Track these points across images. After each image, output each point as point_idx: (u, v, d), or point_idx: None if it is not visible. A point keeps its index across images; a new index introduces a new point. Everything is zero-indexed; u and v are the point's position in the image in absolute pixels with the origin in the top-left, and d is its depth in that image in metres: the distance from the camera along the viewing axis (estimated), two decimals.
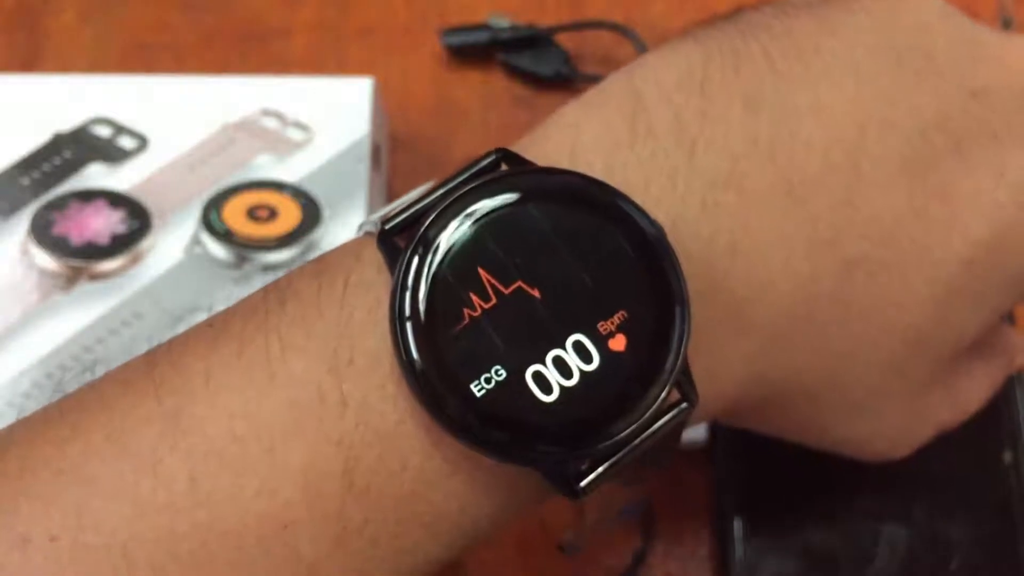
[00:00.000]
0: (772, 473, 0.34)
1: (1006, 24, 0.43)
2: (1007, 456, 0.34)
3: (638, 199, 0.21)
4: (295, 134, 0.38)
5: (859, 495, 0.34)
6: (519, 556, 0.35)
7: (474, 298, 0.20)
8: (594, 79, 0.42)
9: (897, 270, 0.24)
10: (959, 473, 0.34)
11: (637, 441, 0.21)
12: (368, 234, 0.22)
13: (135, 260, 0.36)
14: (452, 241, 0.20)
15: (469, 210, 0.21)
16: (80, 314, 0.35)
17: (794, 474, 0.33)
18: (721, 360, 0.23)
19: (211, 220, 0.36)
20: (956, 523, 0.34)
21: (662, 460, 0.23)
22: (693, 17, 0.43)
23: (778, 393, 0.25)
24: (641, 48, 0.42)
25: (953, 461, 0.32)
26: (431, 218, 0.21)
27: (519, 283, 0.20)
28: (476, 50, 0.43)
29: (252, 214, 0.37)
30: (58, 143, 0.38)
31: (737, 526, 0.34)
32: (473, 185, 0.21)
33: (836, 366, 0.24)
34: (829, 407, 0.26)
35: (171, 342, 0.22)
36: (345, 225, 0.36)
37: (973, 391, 0.29)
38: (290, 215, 0.37)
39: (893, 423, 0.27)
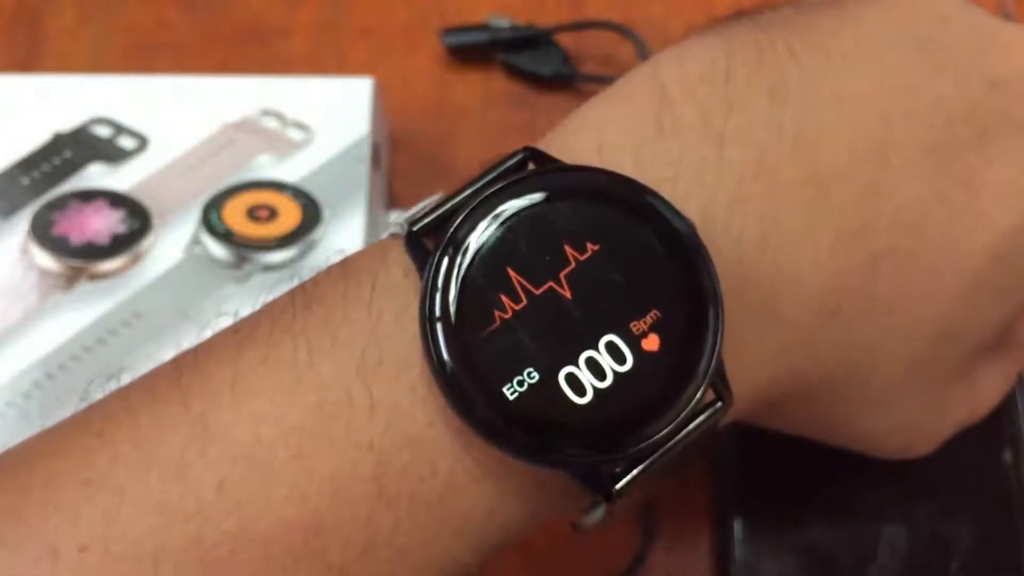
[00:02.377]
0: (772, 472, 0.34)
1: None
2: (1007, 456, 0.34)
3: (667, 195, 0.21)
4: (295, 134, 0.38)
5: (860, 495, 0.34)
6: (519, 554, 0.35)
7: (504, 299, 0.20)
8: (594, 79, 0.42)
9: (924, 262, 0.24)
10: (959, 473, 0.34)
11: (672, 443, 0.21)
12: (393, 236, 0.22)
13: (135, 260, 0.36)
14: (481, 242, 0.20)
15: (498, 210, 0.21)
16: (80, 314, 0.35)
17: (795, 474, 0.33)
18: (750, 356, 0.23)
19: (211, 220, 0.36)
20: (956, 523, 0.34)
21: (691, 457, 0.23)
22: (693, 17, 0.43)
23: (803, 388, 0.25)
24: (641, 48, 0.42)
25: (953, 461, 0.32)
26: (460, 219, 0.21)
27: (550, 284, 0.20)
28: (476, 50, 0.43)
29: (252, 214, 0.37)
30: (58, 143, 0.38)
31: (737, 526, 0.34)
32: (501, 185, 0.21)
33: (861, 359, 0.24)
34: (852, 401, 0.25)
35: (197, 348, 0.22)
36: (345, 225, 0.36)
37: (990, 387, 0.29)
38: (290, 215, 0.37)
39: (913, 418, 0.27)
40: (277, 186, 0.37)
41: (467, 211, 0.21)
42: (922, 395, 0.26)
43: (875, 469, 0.29)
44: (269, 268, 0.36)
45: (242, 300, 0.35)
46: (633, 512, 0.35)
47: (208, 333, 0.22)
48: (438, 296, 0.20)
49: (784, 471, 0.34)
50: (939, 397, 0.27)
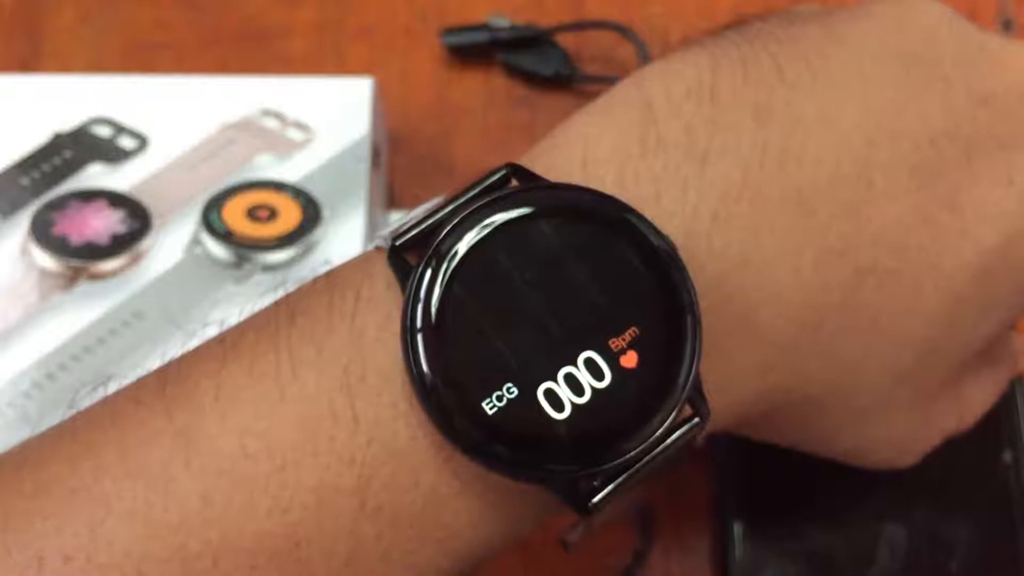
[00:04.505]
0: (772, 473, 0.34)
1: (1006, 25, 0.43)
2: (1007, 456, 0.34)
3: (649, 212, 0.21)
4: (295, 134, 0.38)
5: (859, 495, 0.34)
6: (520, 555, 0.35)
7: (485, 315, 0.20)
8: (594, 79, 0.42)
9: (907, 279, 0.24)
10: (959, 473, 0.34)
11: (648, 458, 0.21)
12: (378, 249, 0.22)
13: (135, 260, 0.36)
14: (464, 256, 0.20)
15: (480, 226, 0.21)
16: (80, 314, 0.35)
17: (794, 474, 0.33)
18: (731, 372, 0.23)
19: (211, 220, 0.36)
20: (956, 523, 0.34)
21: (670, 470, 0.23)
22: (693, 17, 0.43)
23: (786, 403, 0.25)
24: (641, 48, 0.42)
25: (953, 461, 0.32)
26: (443, 234, 0.21)
27: (531, 300, 0.20)
28: (476, 50, 0.43)
29: (252, 214, 0.37)
30: (58, 143, 0.38)
31: (737, 526, 0.34)
32: (484, 201, 0.21)
33: (844, 375, 0.24)
34: (836, 416, 0.25)
35: (182, 358, 0.22)
36: (345, 225, 0.36)
37: (978, 397, 0.29)
38: (290, 215, 0.37)
39: (900, 431, 0.27)
40: (277, 186, 0.37)
41: (450, 226, 0.21)
42: (907, 409, 0.26)
43: (875, 470, 0.29)
44: (269, 268, 0.36)
45: (242, 300, 0.35)
46: (633, 513, 0.35)
47: (195, 342, 0.22)
48: (420, 307, 0.20)
49: (784, 472, 0.34)
50: (924, 410, 0.27)
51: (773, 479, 0.34)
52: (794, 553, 0.33)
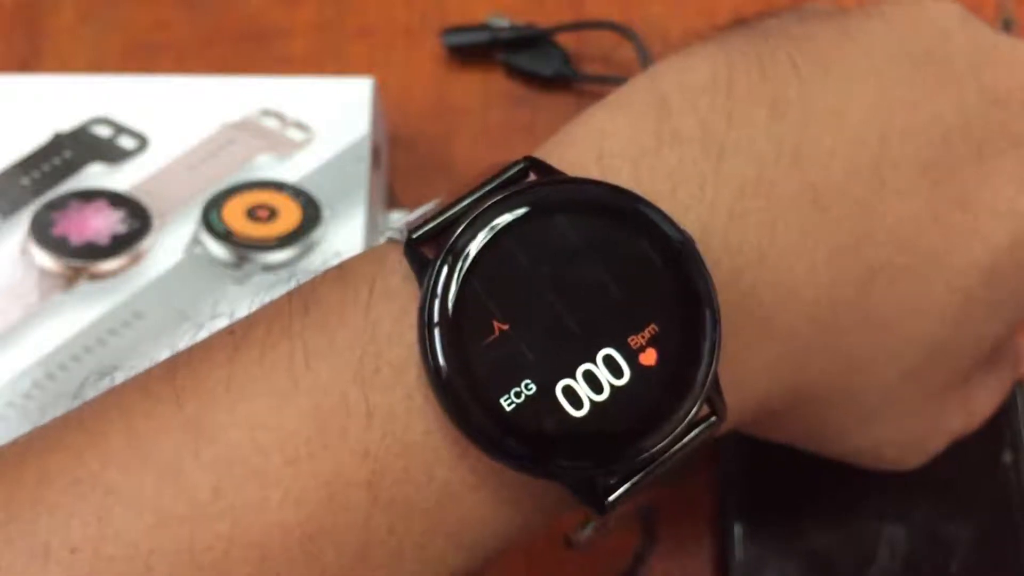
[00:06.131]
0: (773, 474, 0.34)
1: (1006, 25, 0.43)
2: (1007, 456, 0.34)
3: (666, 207, 0.21)
4: (295, 134, 0.38)
5: (859, 496, 0.34)
6: (523, 554, 0.35)
7: (503, 310, 0.20)
8: (594, 79, 0.42)
9: (918, 277, 0.24)
10: (959, 473, 0.34)
11: (666, 456, 0.21)
12: (391, 241, 0.22)
13: (135, 260, 0.36)
14: (481, 252, 0.20)
15: (497, 220, 0.21)
16: (80, 314, 0.35)
17: (795, 475, 0.33)
18: (746, 370, 0.23)
19: (211, 220, 0.36)
20: (956, 523, 0.34)
21: (684, 468, 0.23)
22: (693, 17, 0.43)
23: (795, 400, 0.25)
24: (641, 48, 0.42)
25: (953, 461, 0.32)
26: (461, 228, 0.21)
27: (549, 296, 0.20)
28: (476, 50, 0.43)
29: (252, 214, 0.37)
30: (58, 143, 0.38)
31: (737, 527, 0.34)
32: (502, 196, 0.21)
33: (853, 372, 0.24)
34: (844, 414, 0.25)
35: (192, 348, 0.22)
36: (345, 225, 0.36)
37: (984, 399, 0.29)
38: (290, 215, 0.37)
39: (907, 432, 0.27)
40: (277, 186, 0.37)
41: (468, 221, 0.21)
42: (915, 408, 0.26)
43: (879, 471, 0.29)
44: (269, 268, 0.36)
45: (242, 300, 0.35)
46: (634, 515, 0.35)
47: (204, 334, 0.22)
48: (437, 303, 0.20)
49: (785, 473, 0.34)
50: (932, 410, 0.27)
51: (774, 480, 0.34)
52: (795, 554, 0.33)
